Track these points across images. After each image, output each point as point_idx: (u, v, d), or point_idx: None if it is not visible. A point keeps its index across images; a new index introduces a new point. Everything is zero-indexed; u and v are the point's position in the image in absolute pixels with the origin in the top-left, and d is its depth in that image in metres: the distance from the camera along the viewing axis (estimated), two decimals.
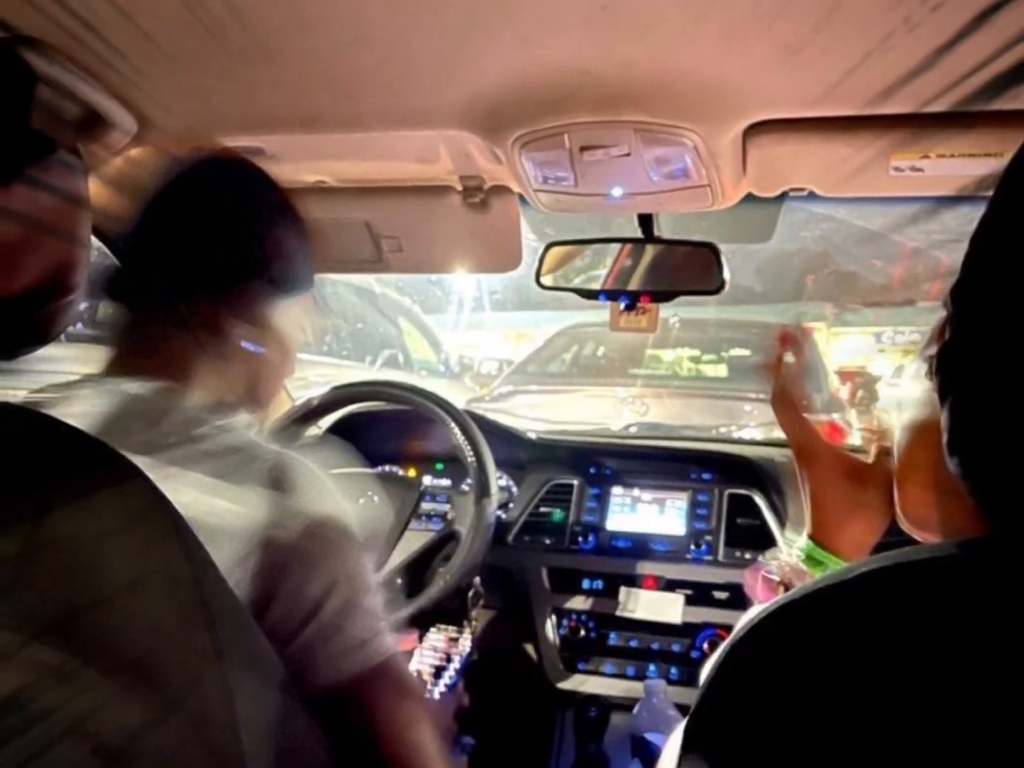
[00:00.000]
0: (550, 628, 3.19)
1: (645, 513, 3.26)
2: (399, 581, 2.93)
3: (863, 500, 1.35)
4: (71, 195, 0.98)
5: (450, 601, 2.90)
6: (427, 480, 3.46)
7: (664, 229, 2.23)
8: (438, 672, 2.56)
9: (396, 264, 2.56)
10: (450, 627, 2.85)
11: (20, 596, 0.77)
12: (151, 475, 0.93)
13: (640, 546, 3.18)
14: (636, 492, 3.32)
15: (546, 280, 2.40)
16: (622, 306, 2.31)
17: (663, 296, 2.29)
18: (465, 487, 3.29)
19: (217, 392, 1.48)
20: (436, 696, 2.39)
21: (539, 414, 6.26)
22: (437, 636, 2.77)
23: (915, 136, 1.60)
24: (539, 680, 3.15)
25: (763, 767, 0.65)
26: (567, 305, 8.20)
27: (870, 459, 1.38)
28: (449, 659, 2.64)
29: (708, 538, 3.11)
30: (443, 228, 2.39)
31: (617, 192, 1.89)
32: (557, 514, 3.34)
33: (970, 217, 0.78)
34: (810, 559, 1.36)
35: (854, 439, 4.79)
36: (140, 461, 0.94)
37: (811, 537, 1.38)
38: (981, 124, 1.53)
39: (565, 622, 3.17)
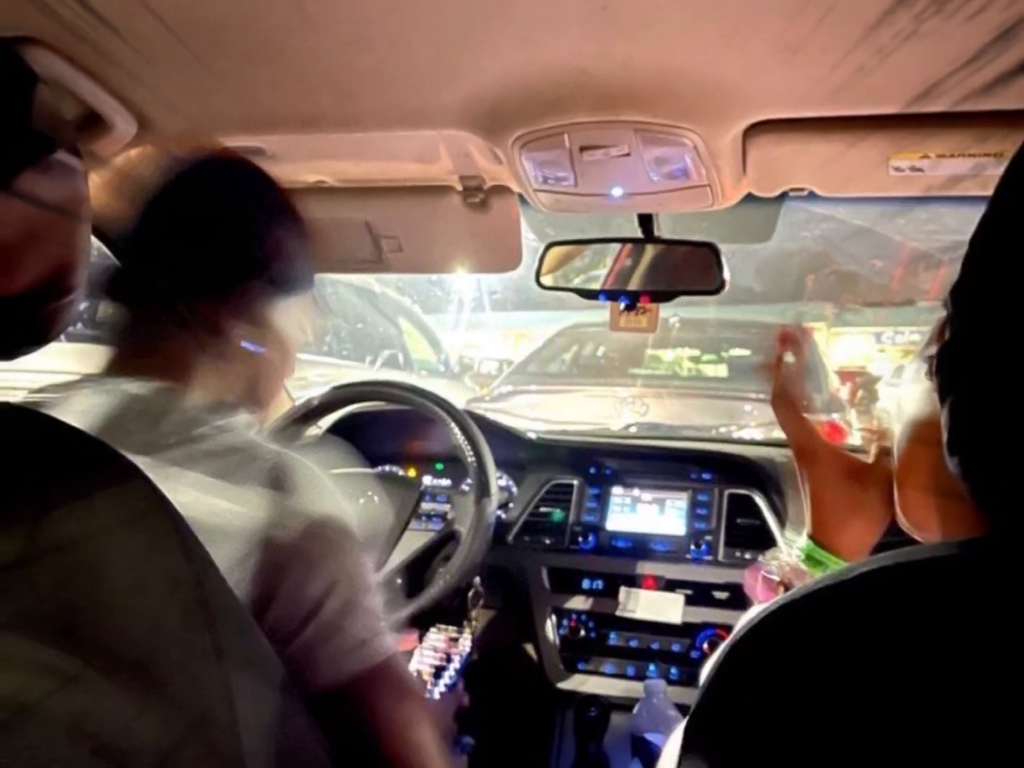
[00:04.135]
0: (550, 628, 3.19)
1: (645, 513, 3.27)
2: (399, 581, 2.93)
3: (863, 500, 1.35)
4: (71, 195, 0.98)
5: (450, 601, 2.90)
6: (427, 480, 3.46)
7: (664, 229, 2.23)
8: (438, 672, 2.57)
9: (396, 264, 2.56)
10: (450, 627, 2.86)
11: (20, 596, 0.77)
12: (151, 475, 0.93)
13: (640, 546, 3.18)
14: (636, 492, 3.32)
15: (546, 280, 2.40)
16: (622, 306, 2.32)
17: (663, 296, 2.29)
18: (465, 487, 3.29)
19: (217, 392, 1.48)
20: (436, 696, 2.40)
21: (539, 414, 6.26)
22: (437, 636, 2.78)
23: (915, 136, 1.60)
24: (539, 680, 3.15)
25: (763, 767, 0.65)
26: (567, 305, 8.20)
27: (870, 459, 1.38)
28: (449, 659, 2.64)
29: (708, 538, 3.11)
30: (443, 228, 2.39)
31: (617, 192, 1.89)
32: (557, 514, 3.34)
33: (970, 217, 0.78)
34: (810, 559, 1.36)
35: (854, 439, 4.79)
36: (140, 461, 0.94)
37: (811, 537, 1.38)
38: (981, 124, 1.53)
39: (565, 622, 3.18)
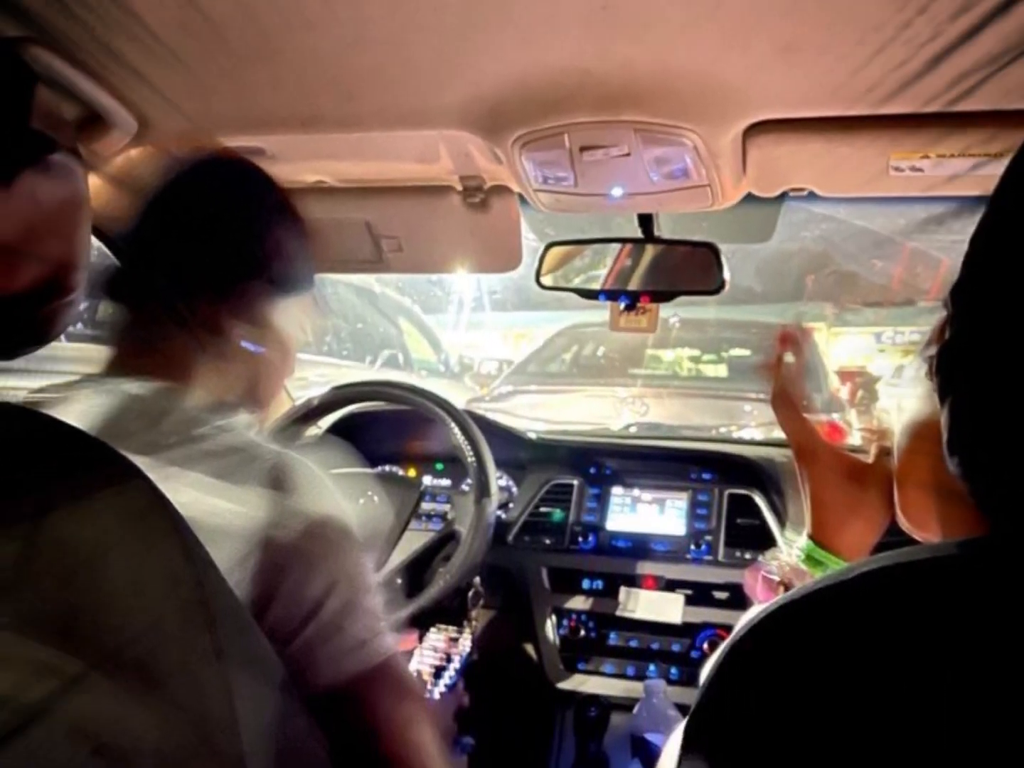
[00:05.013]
0: (550, 628, 3.18)
1: (645, 513, 3.26)
2: (399, 581, 2.93)
3: (863, 500, 1.35)
4: (71, 195, 0.98)
5: (450, 601, 2.90)
6: (427, 480, 3.46)
7: (664, 229, 2.24)
8: (438, 672, 2.56)
9: (396, 264, 2.56)
10: (450, 627, 2.85)
11: (20, 596, 0.77)
12: (151, 475, 0.93)
13: (640, 546, 3.18)
14: (636, 492, 3.32)
15: (546, 280, 2.41)
16: (622, 306, 2.32)
17: (663, 296, 2.30)
18: (465, 487, 3.29)
19: (217, 392, 1.48)
20: (436, 696, 2.39)
21: (539, 414, 6.26)
22: (437, 636, 2.77)
23: (915, 136, 1.60)
24: (539, 680, 3.15)
25: (764, 767, 0.65)
26: (567, 305, 8.20)
27: (870, 459, 1.38)
28: (449, 659, 2.64)
29: (708, 538, 3.11)
30: (443, 228, 2.40)
31: (617, 192, 1.89)
32: (557, 514, 3.34)
33: (970, 217, 0.78)
34: (810, 559, 1.36)
35: (854, 439, 4.79)
36: (140, 461, 0.94)
37: (811, 537, 1.38)
38: (981, 124, 1.53)
39: (565, 622, 3.17)
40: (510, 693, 3.26)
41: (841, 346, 13.33)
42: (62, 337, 1.04)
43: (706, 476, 3.28)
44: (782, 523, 3.01)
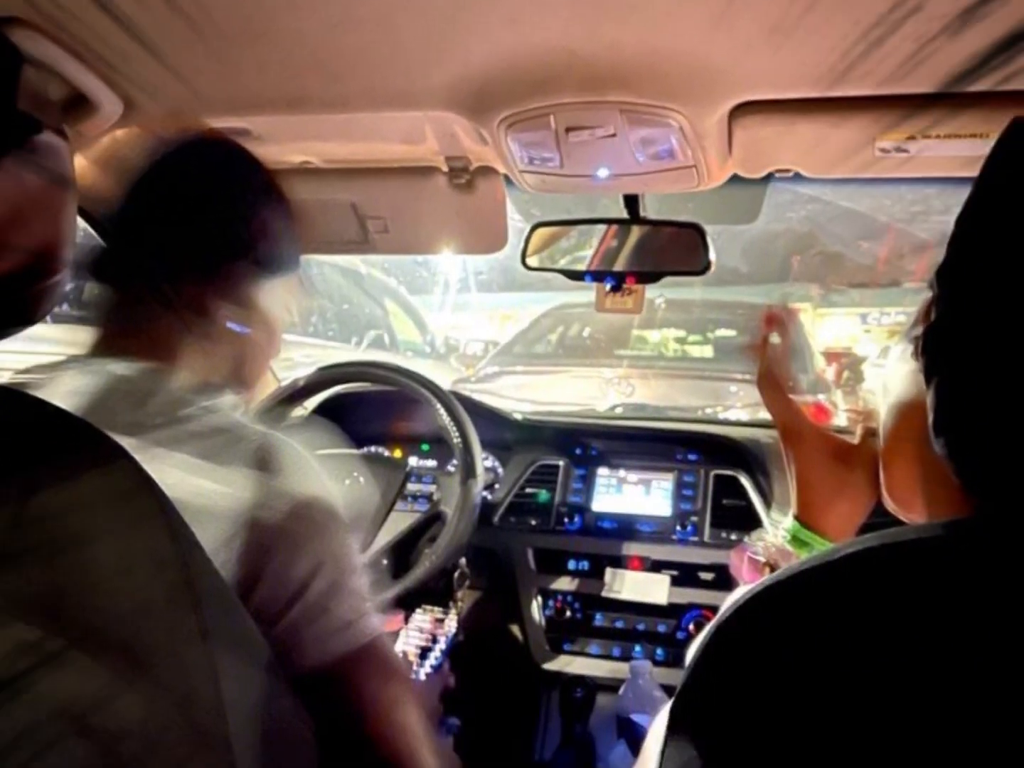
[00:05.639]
0: (536, 609, 3.19)
1: (631, 494, 3.27)
2: (385, 562, 2.93)
3: (849, 481, 1.35)
4: (57, 176, 0.98)
5: (436, 582, 2.90)
6: (413, 461, 3.47)
7: (650, 210, 2.24)
8: (424, 653, 2.57)
9: (382, 245, 2.56)
10: (436, 608, 2.85)
11: (5, 576, 0.77)
12: (137, 456, 0.93)
13: (626, 527, 3.18)
14: (622, 473, 3.32)
15: (532, 261, 2.40)
16: (608, 287, 2.32)
17: (649, 277, 2.30)
18: (451, 468, 3.30)
19: (203, 373, 1.48)
20: (422, 677, 2.40)
21: (525, 395, 6.25)
22: (423, 617, 2.78)
23: (901, 117, 1.60)
24: (525, 661, 3.15)
25: (749, 747, 0.65)
26: (553, 286, 8.22)
27: (856, 440, 1.38)
28: (435, 640, 2.64)
29: (694, 519, 3.11)
30: (429, 209, 2.39)
31: (603, 173, 1.89)
32: (543, 495, 3.34)
33: (956, 198, 0.78)
34: (796, 540, 1.36)
35: (840, 420, 4.77)
36: (126, 442, 0.94)
37: (797, 518, 1.38)
38: (967, 105, 1.53)
39: (551, 603, 3.17)
40: (496, 674, 3.26)
41: (827, 327, 13.36)
42: (48, 318, 1.04)
43: (692, 457, 3.28)
44: (768, 504, 3.02)
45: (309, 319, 8.66)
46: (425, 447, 3.51)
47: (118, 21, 1.45)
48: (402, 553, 3.00)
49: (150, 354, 1.42)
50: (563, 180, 1.96)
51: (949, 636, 0.62)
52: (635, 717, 2.42)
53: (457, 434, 2.88)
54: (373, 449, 3.51)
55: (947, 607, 0.63)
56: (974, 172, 0.75)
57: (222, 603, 1.05)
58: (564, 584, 3.19)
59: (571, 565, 3.21)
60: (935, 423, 0.76)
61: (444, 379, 4.35)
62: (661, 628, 3.03)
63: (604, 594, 3.09)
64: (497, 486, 3.39)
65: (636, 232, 2.28)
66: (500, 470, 3.44)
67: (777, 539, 1.38)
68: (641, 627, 3.05)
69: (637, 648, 3.03)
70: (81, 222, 1.39)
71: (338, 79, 1.65)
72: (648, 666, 2.58)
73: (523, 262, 2.41)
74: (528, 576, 3.24)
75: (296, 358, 6.19)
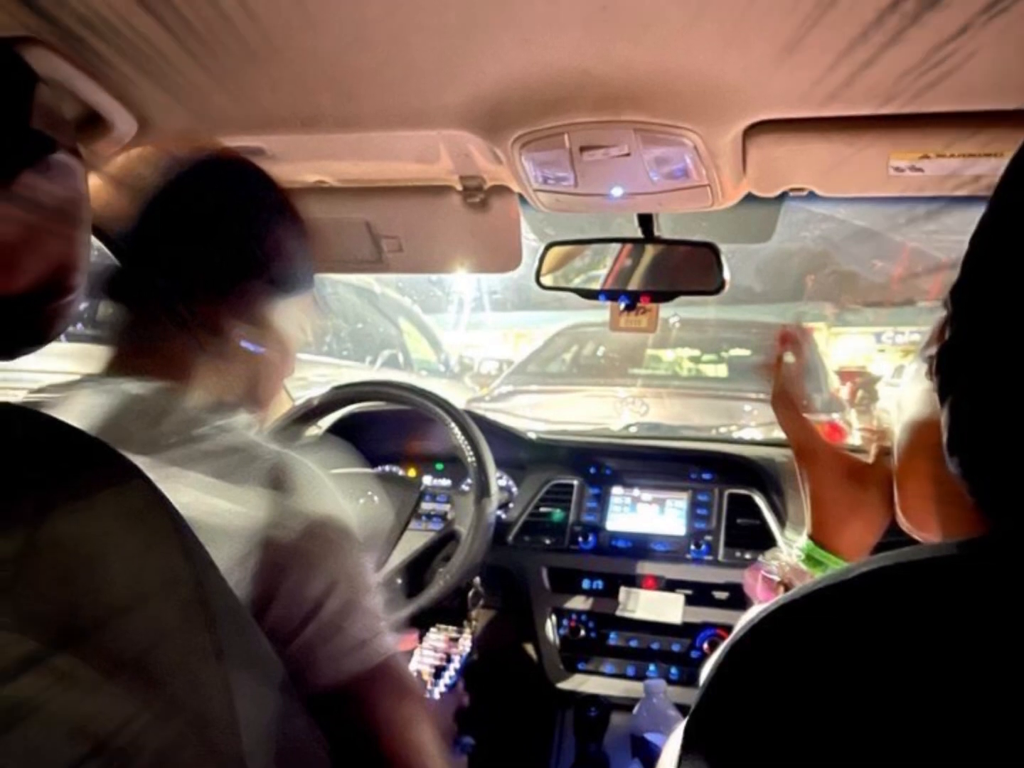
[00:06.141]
0: (550, 628, 3.18)
1: (645, 513, 3.27)
2: (399, 581, 2.94)
3: (863, 500, 1.35)
4: (71, 195, 0.98)
5: (450, 601, 2.90)
6: (427, 480, 3.47)
7: (664, 229, 2.24)
8: (438, 672, 2.57)
9: (396, 264, 2.56)
10: (450, 627, 2.86)
11: (19, 596, 0.77)
12: (151, 475, 0.94)
13: (640, 546, 3.18)
14: (636, 492, 3.32)
15: (546, 280, 2.41)
16: (622, 306, 2.32)
17: (663, 296, 2.30)
18: (465, 487, 3.30)
19: (217, 392, 1.48)
20: (436, 696, 2.40)
21: (539, 414, 6.27)
22: (437, 636, 2.78)
23: (915, 136, 1.60)
24: (539, 680, 3.15)
25: (764, 767, 0.65)
26: (567, 305, 8.20)
27: (870, 459, 1.38)
28: (449, 659, 2.65)
29: (708, 538, 3.11)
30: (443, 228, 2.39)
31: (617, 192, 1.89)
32: (557, 514, 3.34)
33: (970, 217, 0.78)
34: (810, 559, 1.36)
35: (854, 439, 4.79)
36: (140, 461, 0.94)
37: (811, 537, 1.38)
38: (981, 124, 1.53)
39: (565, 622, 3.17)
40: (510, 693, 3.26)
41: (841, 346, 13.35)
42: (62, 337, 1.04)
43: (706, 476, 3.28)
44: (782, 523, 3.01)
45: (323, 338, 8.67)
46: (439, 466, 3.51)
47: (132, 40, 1.45)
48: (416, 572, 3.01)
49: (164, 373, 1.42)
50: (577, 199, 1.96)
51: (965, 656, 0.61)
52: (649, 736, 2.41)
53: (471, 453, 2.88)
54: (387, 468, 3.51)
55: (963, 627, 0.63)
56: (988, 191, 0.75)
57: (236, 622, 1.05)
58: (578, 603, 3.19)
59: (585, 584, 3.20)
60: (949, 442, 0.75)
61: (458, 398, 4.37)
62: (675, 647, 3.03)
63: (618, 613, 3.09)
64: (511, 505, 3.38)
65: (650, 251, 2.28)
66: (514, 489, 3.43)
67: (791, 558, 1.38)
68: (655, 646, 3.05)
69: (651, 667, 3.03)
70: (95, 241, 1.39)
71: (352, 98, 1.65)
72: (662, 685, 2.57)
73: (537, 281, 2.41)
74: (542, 595, 3.23)
75: (310, 377, 6.21)
